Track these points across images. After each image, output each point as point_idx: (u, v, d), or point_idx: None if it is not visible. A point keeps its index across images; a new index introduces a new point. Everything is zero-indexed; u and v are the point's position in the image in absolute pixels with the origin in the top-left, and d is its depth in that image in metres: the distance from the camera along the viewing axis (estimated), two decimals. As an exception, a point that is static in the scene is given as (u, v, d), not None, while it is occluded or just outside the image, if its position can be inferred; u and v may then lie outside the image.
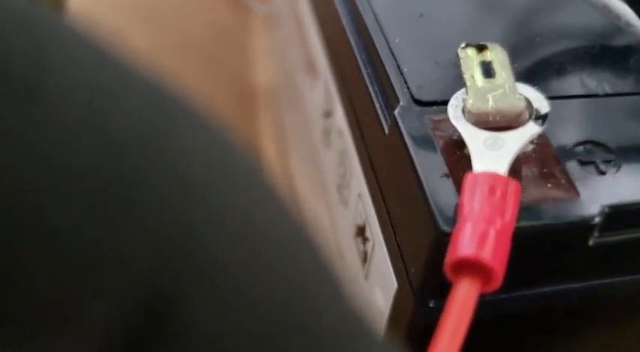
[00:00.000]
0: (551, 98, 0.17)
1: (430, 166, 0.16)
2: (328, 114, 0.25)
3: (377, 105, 0.19)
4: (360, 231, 0.22)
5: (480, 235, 0.14)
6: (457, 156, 0.16)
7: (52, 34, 0.09)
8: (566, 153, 0.17)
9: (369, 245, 0.21)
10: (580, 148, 0.17)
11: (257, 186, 0.10)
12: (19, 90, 0.08)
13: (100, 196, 0.08)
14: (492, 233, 0.14)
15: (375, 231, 0.20)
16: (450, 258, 0.14)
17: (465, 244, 0.14)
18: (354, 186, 0.22)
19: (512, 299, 0.17)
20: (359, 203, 0.21)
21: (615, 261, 0.17)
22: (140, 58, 0.10)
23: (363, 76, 0.19)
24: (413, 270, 0.17)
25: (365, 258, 0.21)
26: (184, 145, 0.09)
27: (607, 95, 0.19)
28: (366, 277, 0.21)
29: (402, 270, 0.18)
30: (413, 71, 0.18)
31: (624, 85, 0.19)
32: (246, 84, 0.42)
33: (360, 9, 0.21)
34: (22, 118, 0.08)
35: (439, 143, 0.16)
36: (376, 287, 0.20)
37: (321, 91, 0.26)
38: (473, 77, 0.17)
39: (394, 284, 0.18)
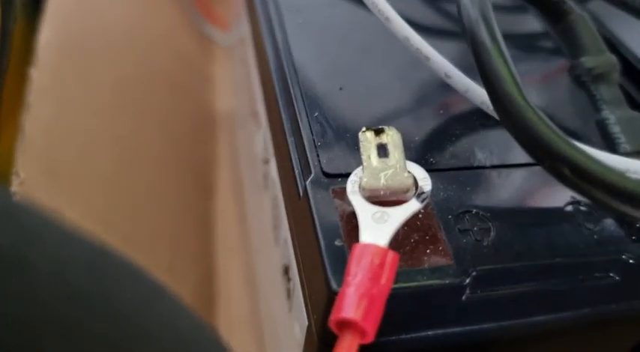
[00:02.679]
0: (443, 169, 0.21)
1: (329, 233, 0.19)
2: (266, 161, 0.28)
3: (296, 172, 0.22)
4: (286, 271, 0.25)
5: (357, 299, 0.17)
6: (352, 226, 0.19)
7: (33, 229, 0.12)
8: (447, 222, 0.20)
9: (291, 284, 0.24)
10: (460, 217, 0.20)
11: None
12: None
13: None
14: (368, 298, 0.17)
15: (294, 274, 0.23)
16: (332, 317, 0.17)
17: (345, 307, 0.17)
18: (282, 231, 0.25)
19: (396, 341, 0.20)
20: (285, 247, 0.25)
21: (487, 311, 0.21)
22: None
23: (288, 143, 0.23)
24: (315, 317, 0.20)
25: (289, 294, 0.25)
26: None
27: (493, 166, 0.22)
28: (290, 310, 0.25)
29: (310, 313, 0.21)
30: (325, 145, 0.22)
31: (508, 157, 0.22)
32: (206, 110, 0.45)
33: (288, 79, 0.24)
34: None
35: (338, 213, 0.20)
36: (296, 321, 0.23)
37: (262, 140, 0.29)
38: (369, 157, 0.20)
39: (305, 322, 0.22)
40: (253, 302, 0.37)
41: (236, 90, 0.43)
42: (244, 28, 0.35)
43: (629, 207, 0.16)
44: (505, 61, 0.18)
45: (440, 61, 0.22)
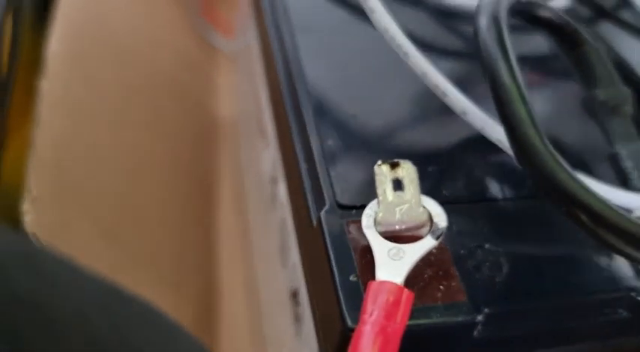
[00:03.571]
0: (457, 203, 0.21)
1: (344, 267, 0.19)
2: (274, 181, 0.28)
3: (309, 201, 0.22)
4: (294, 294, 0.25)
5: (373, 338, 0.17)
6: (366, 260, 0.19)
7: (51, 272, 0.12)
8: (460, 257, 0.20)
9: (300, 309, 0.24)
10: (473, 252, 0.20)
11: None
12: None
13: None
14: (384, 336, 0.17)
15: (304, 300, 0.23)
16: (350, 354, 0.17)
17: (362, 345, 0.17)
18: (291, 255, 0.25)
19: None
20: (294, 271, 0.25)
21: (498, 346, 0.21)
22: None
23: (300, 169, 0.23)
24: (328, 348, 0.20)
25: (297, 318, 0.25)
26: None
27: (505, 199, 0.22)
28: (297, 334, 0.25)
29: (322, 344, 0.21)
30: (339, 175, 0.22)
31: (521, 189, 0.23)
32: (209, 118, 0.45)
33: (302, 105, 0.24)
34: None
35: (353, 247, 0.20)
36: (305, 347, 0.23)
37: (270, 159, 0.29)
38: (385, 192, 0.20)
39: (316, 349, 0.22)
40: (255, 317, 0.37)
41: (240, 98, 0.43)
42: (251, 38, 0.35)
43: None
44: (525, 103, 0.18)
45: (457, 97, 0.22)
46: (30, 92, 0.30)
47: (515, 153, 0.18)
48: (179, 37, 0.46)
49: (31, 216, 0.25)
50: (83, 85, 0.32)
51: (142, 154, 0.35)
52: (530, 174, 0.18)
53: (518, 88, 0.18)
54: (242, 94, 0.41)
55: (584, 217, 0.17)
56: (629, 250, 0.17)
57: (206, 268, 0.38)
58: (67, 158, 0.29)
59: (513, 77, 0.18)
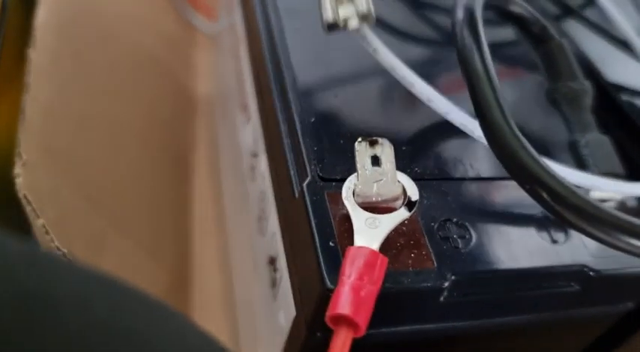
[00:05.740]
0: (428, 179, 0.23)
1: (324, 234, 0.21)
2: (255, 154, 0.30)
3: (291, 173, 0.23)
4: (272, 261, 0.27)
5: (351, 298, 0.19)
6: (345, 228, 0.21)
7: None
8: (430, 228, 0.22)
9: (278, 274, 0.26)
10: (442, 225, 0.22)
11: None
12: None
13: None
14: (360, 296, 0.19)
15: (282, 266, 0.25)
16: (329, 313, 0.19)
17: (341, 304, 0.19)
18: (270, 224, 0.27)
19: (379, 334, 0.22)
20: (272, 239, 0.26)
21: (462, 311, 0.23)
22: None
23: (283, 144, 0.24)
24: (306, 310, 0.22)
25: (274, 283, 0.26)
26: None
27: (472, 179, 0.24)
28: (274, 298, 0.26)
29: (300, 305, 0.23)
30: (321, 150, 0.23)
31: (487, 170, 0.24)
32: (188, 94, 0.46)
33: (287, 84, 0.26)
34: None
35: (333, 216, 0.21)
36: (281, 309, 0.25)
37: (251, 133, 0.30)
38: (364, 166, 0.22)
39: (293, 312, 0.23)
40: (227, 284, 0.38)
41: (219, 78, 0.44)
42: (236, 18, 0.36)
43: (597, 230, 0.19)
44: (494, 90, 0.20)
45: (422, 87, 0.24)
46: (18, 59, 0.31)
47: (485, 134, 0.20)
48: (162, 18, 0.47)
49: (22, 180, 0.26)
50: (71, 58, 0.33)
51: (123, 125, 0.36)
52: (497, 154, 0.20)
53: (489, 75, 0.20)
54: (222, 73, 0.43)
55: (544, 194, 0.19)
56: (582, 224, 0.19)
57: (181, 237, 0.40)
58: (54, 126, 0.30)
59: (485, 65, 0.20)
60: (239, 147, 0.34)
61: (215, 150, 0.44)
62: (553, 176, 0.18)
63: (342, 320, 0.19)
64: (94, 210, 0.31)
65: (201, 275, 0.39)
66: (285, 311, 0.24)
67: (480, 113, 0.20)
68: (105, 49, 0.37)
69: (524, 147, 0.19)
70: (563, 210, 0.19)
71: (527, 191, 0.19)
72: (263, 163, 0.28)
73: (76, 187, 0.30)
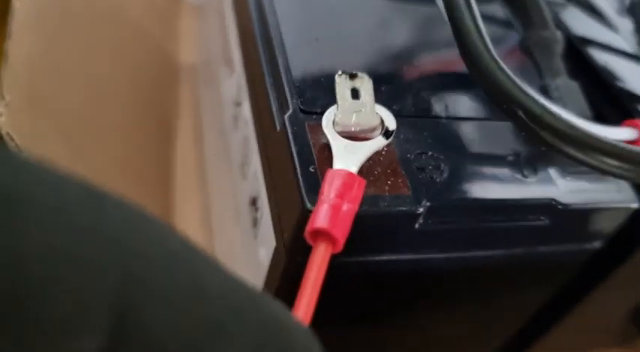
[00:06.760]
0: (405, 116, 0.24)
1: (304, 161, 0.22)
2: (238, 103, 0.30)
3: (273, 108, 0.24)
4: (253, 202, 0.27)
5: (330, 214, 0.20)
6: (325, 156, 0.22)
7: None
8: (406, 159, 0.23)
9: (259, 213, 0.27)
10: (418, 157, 0.23)
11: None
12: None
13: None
14: (339, 213, 0.20)
15: (264, 203, 0.26)
16: (309, 227, 0.20)
17: (320, 219, 0.20)
18: (252, 166, 0.28)
19: (357, 263, 0.23)
20: (254, 179, 0.27)
21: (436, 242, 0.24)
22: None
23: (265, 83, 0.25)
24: (286, 235, 0.23)
25: (255, 223, 0.27)
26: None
27: (448, 117, 0.25)
28: (255, 237, 0.27)
29: (280, 234, 0.23)
30: (302, 85, 0.24)
31: (462, 111, 0.25)
32: (171, 61, 0.47)
33: (270, 28, 0.26)
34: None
35: (313, 143, 0.22)
36: (261, 246, 0.26)
37: (234, 84, 0.31)
38: (344, 97, 0.22)
39: (273, 243, 0.24)
40: (209, 243, 0.39)
41: (203, 45, 0.45)
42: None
43: (570, 148, 0.20)
44: (473, 17, 0.21)
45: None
46: (4, 10, 0.32)
47: (465, 60, 0.21)
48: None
49: (4, 119, 0.26)
50: (57, 13, 0.33)
51: (105, 83, 0.37)
52: (476, 77, 0.21)
53: (470, 8, 0.21)
54: (207, 39, 0.43)
55: (520, 113, 0.20)
56: (557, 143, 0.20)
57: (163, 195, 0.40)
58: (37, 74, 0.30)
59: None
60: (222, 101, 0.35)
61: (198, 118, 0.45)
62: (529, 95, 0.19)
63: (320, 235, 0.20)
64: (75, 157, 0.32)
65: (183, 233, 0.39)
66: (266, 246, 0.25)
67: (459, 37, 0.21)
68: (89, 8, 0.37)
69: (501, 69, 0.20)
70: (539, 129, 0.20)
71: (504, 111, 0.20)
72: (246, 109, 0.29)
73: (59, 136, 0.31)
